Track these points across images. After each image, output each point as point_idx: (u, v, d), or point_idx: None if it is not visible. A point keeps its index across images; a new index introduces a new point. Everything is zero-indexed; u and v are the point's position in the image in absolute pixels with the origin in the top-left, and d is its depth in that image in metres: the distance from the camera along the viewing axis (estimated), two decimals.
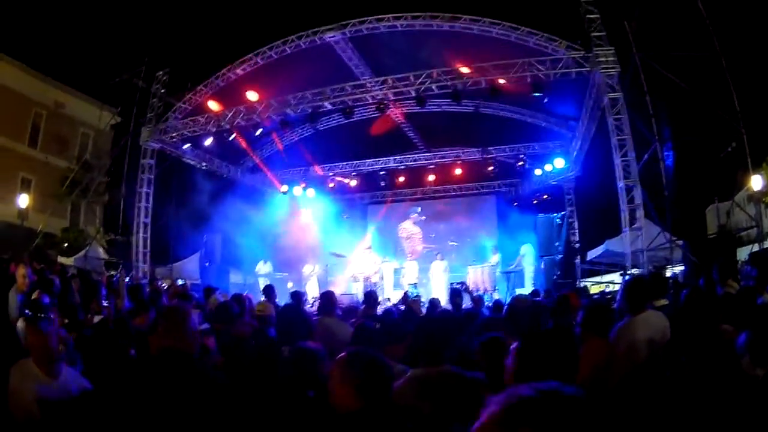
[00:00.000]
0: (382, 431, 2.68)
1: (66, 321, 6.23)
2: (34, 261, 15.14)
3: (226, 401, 3.50)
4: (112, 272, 20.32)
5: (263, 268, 21.77)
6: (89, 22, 33.58)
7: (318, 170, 25.20)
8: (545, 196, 23.25)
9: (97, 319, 6.92)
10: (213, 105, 20.20)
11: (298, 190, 25.43)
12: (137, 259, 21.66)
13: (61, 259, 23.69)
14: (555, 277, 18.73)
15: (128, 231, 23.69)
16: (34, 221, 30.20)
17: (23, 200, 30.51)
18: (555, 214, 21.30)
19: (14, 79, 33.44)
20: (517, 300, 6.65)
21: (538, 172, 22.55)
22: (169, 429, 3.21)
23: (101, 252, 24.96)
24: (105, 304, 9.49)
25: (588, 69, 15.68)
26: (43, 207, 31.62)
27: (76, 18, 35.90)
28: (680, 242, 15.53)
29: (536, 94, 16.32)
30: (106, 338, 5.57)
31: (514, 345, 2.83)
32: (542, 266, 19.76)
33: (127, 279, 16.04)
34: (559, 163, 21.63)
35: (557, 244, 20.15)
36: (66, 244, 28.73)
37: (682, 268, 15.16)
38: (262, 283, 19.71)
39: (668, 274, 14.82)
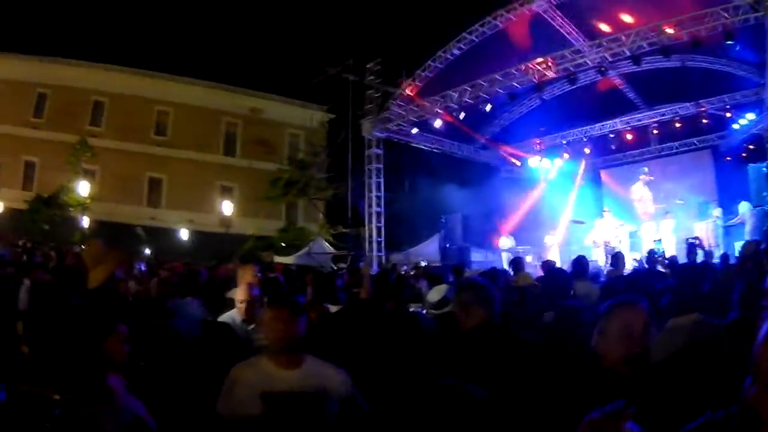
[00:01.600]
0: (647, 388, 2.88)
1: None
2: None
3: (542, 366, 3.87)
4: (342, 265, 22.93)
5: (506, 242, 23.63)
6: (279, 31, 38.28)
7: (550, 140, 27.11)
8: (752, 146, 24.16)
9: (333, 308, 7.26)
10: (436, 87, 22.45)
11: (532, 161, 27.44)
12: (370, 249, 24.28)
13: (278, 259, 26.81)
14: (766, 228, 19.45)
15: (358, 222, 26.67)
16: (240, 227, 34.68)
17: (226, 208, 34.86)
18: (763, 164, 22.18)
19: (197, 97, 39.22)
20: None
21: (743, 121, 23.62)
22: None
23: (327, 246, 28.27)
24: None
25: (762, 14, 16.45)
26: (248, 212, 36.71)
27: (264, 29, 41.02)
28: None
29: (728, 43, 17.49)
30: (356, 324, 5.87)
31: None
32: (755, 217, 20.50)
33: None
34: (759, 111, 22.64)
35: (765, 194, 21.08)
36: (283, 244, 32.55)
37: None
38: (505, 257, 21.68)
39: None
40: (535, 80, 20.64)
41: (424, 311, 5.70)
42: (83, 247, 17.97)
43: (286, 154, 40.49)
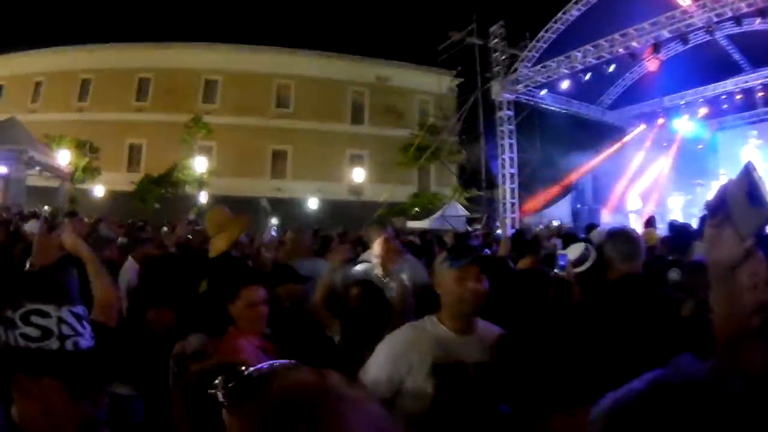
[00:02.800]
0: None
1: None
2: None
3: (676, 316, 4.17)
4: (477, 226, 24.98)
5: (634, 203, 25.89)
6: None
7: (669, 101, 29.10)
8: None
9: None
10: (560, 48, 24.64)
11: (657, 122, 29.70)
12: (504, 210, 26.51)
13: (411, 224, 29.54)
14: None
15: (492, 184, 29.07)
16: (371, 194, 37.72)
17: (357, 175, 37.96)
18: None
19: (319, 68, 42.95)
20: None
21: None
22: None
23: (460, 209, 30.66)
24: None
25: None
26: (379, 178, 39.93)
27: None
28: None
29: None
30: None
31: None
32: None
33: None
34: None
35: None
36: (416, 209, 35.27)
37: None
38: (633, 218, 23.94)
39: None
40: (651, 40, 22.82)
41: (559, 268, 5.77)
42: (200, 216, 20.34)
43: (416, 120, 43.11)
